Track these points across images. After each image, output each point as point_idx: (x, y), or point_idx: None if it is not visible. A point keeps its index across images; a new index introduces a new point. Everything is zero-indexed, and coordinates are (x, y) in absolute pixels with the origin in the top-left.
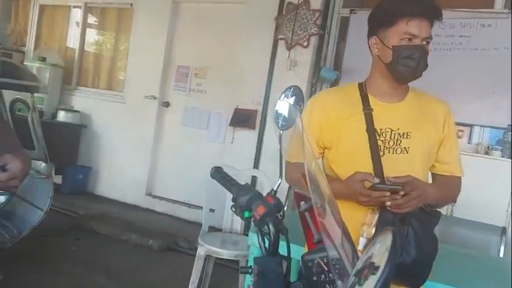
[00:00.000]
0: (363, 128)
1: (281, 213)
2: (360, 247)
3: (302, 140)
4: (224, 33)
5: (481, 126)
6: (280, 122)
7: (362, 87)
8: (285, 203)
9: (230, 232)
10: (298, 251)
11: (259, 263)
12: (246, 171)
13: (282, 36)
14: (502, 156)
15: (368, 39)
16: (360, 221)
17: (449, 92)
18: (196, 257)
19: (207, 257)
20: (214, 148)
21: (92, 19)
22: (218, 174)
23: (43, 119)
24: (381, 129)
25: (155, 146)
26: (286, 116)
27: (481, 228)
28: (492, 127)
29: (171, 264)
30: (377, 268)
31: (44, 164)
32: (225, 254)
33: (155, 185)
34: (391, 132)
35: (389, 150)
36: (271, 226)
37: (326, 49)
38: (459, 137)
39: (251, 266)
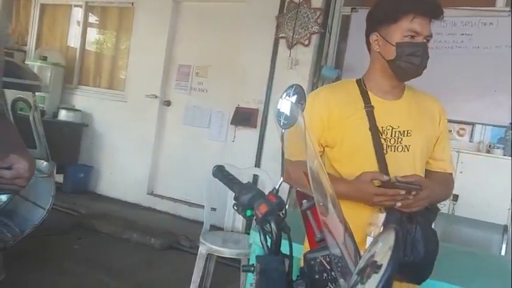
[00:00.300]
0: (366, 126)
1: (283, 211)
2: (367, 246)
3: (303, 138)
4: (225, 32)
5: (483, 124)
6: (282, 120)
7: (361, 84)
8: (286, 202)
9: (231, 231)
10: (299, 250)
11: (262, 261)
12: (247, 170)
13: (283, 35)
14: (504, 155)
15: (367, 36)
16: (365, 221)
17: (451, 90)
18: (197, 256)
19: (209, 256)
20: (216, 147)
21: (92, 18)
22: (220, 173)
23: (44, 118)
24: (382, 127)
25: (156, 145)
26: (288, 114)
27: (482, 227)
28: (494, 125)
29: (173, 263)
30: (379, 267)
31: (45, 163)
32: (227, 252)
33: (156, 184)
34: (392, 130)
35: (391, 149)
36: (273, 225)
37: (327, 48)
38: (461, 135)
39: (253, 264)
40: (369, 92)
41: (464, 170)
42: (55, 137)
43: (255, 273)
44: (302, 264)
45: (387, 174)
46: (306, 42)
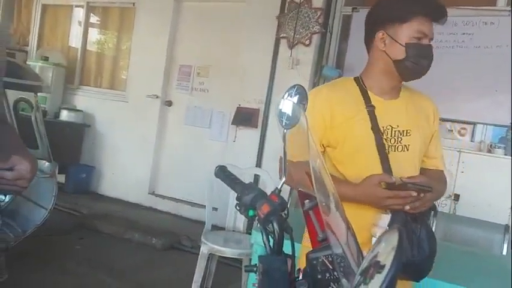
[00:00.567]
0: (368, 126)
1: (285, 211)
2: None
3: (305, 138)
4: (226, 32)
5: (484, 124)
6: (284, 120)
7: (360, 83)
8: (287, 201)
9: (233, 231)
10: (298, 249)
11: (264, 261)
12: (248, 170)
13: (284, 35)
14: (505, 154)
15: (370, 33)
16: (370, 221)
17: (452, 90)
18: (199, 256)
19: (210, 256)
20: (217, 147)
21: (94, 18)
22: (222, 173)
23: (46, 118)
24: (382, 127)
25: (158, 145)
26: (290, 114)
27: (484, 226)
28: (495, 125)
29: (174, 263)
30: (382, 267)
31: (47, 163)
32: (228, 252)
33: (158, 184)
34: (392, 129)
35: (391, 148)
36: (275, 225)
37: (328, 47)
38: (462, 135)
39: (256, 264)
40: (369, 91)
41: (466, 170)
42: (57, 138)
43: (257, 273)
44: (300, 264)
45: (391, 174)
46: (307, 42)
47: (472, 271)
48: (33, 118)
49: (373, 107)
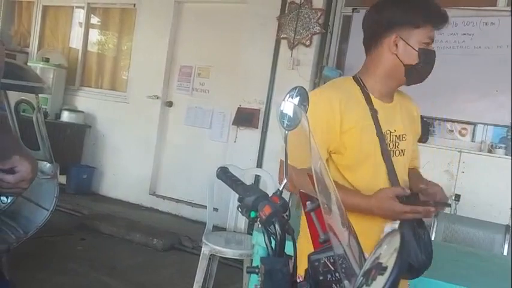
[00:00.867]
0: (373, 131)
1: (287, 213)
2: None
3: (308, 141)
4: (227, 32)
5: (485, 124)
6: (286, 122)
7: (360, 84)
8: (288, 202)
9: (234, 231)
10: None
11: (266, 262)
12: (249, 171)
13: (285, 36)
14: (506, 154)
15: (376, 35)
16: (379, 229)
17: (452, 90)
18: (200, 256)
19: (212, 256)
20: (218, 147)
21: (94, 19)
22: (224, 174)
23: (47, 119)
24: (384, 132)
25: (158, 146)
26: (291, 116)
27: (484, 227)
28: (495, 125)
29: (175, 264)
30: (385, 268)
31: (48, 165)
32: (230, 253)
33: (159, 185)
34: (390, 134)
35: (391, 154)
36: (277, 226)
37: (328, 48)
38: (463, 135)
39: (258, 266)
40: (370, 94)
41: (466, 170)
42: (58, 139)
43: (259, 274)
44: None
45: (397, 181)
46: (308, 43)
47: (473, 271)
48: (34, 119)
49: (376, 111)
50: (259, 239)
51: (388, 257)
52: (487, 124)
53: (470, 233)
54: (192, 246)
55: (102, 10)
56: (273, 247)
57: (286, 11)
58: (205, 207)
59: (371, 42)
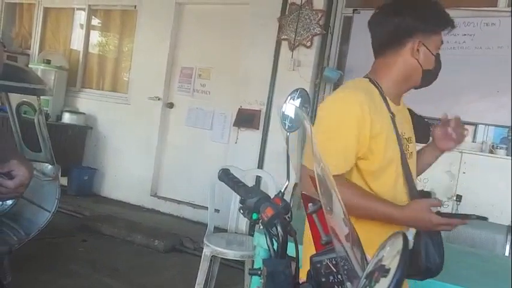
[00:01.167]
0: (394, 136)
1: (289, 215)
2: None
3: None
4: (227, 34)
5: (486, 124)
6: (287, 124)
7: (378, 87)
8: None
9: (235, 232)
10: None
11: (268, 264)
12: (250, 172)
13: (285, 37)
14: (507, 155)
15: (395, 39)
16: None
17: (453, 90)
18: (202, 258)
19: (213, 258)
20: (219, 148)
21: (95, 21)
22: (226, 176)
23: (48, 121)
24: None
25: (160, 147)
26: (293, 118)
27: (486, 227)
28: (497, 126)
29: (177, 265)
30: (387, 271)
31: (50, 166)
32: (231, 254)
33: (160, 186)
34: (402, 138)
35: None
36: (279, 228)
37: (329, 49)
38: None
39: (260, 267)
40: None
41: (467, 171)
42: (59, 140)
43: (261, 276)
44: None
45: (414, 186)
46: (308, 44)
47: (474, 272)
48: (36, 121)
49: (394, 115)
50: (260, 240)
51: (391, 259)
52: (488, 125)
53: (471, 234)
54: (194, 247)
55: (103, 12)
56: (275, 249)
57: (287, 12)
58: (206, 208)
59: (388, 45)
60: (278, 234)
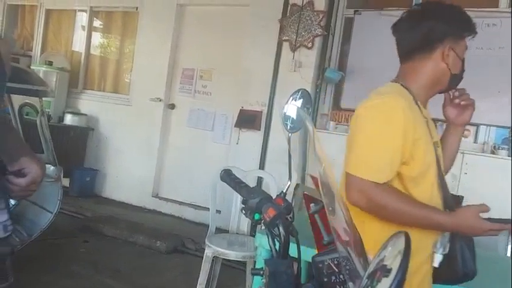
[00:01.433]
0: (430, 140)
1: (291, 215)
2: (435, 264)
3: (313, 144)
4: (229, 35)
5: (487, 125)
6: (289, 124)
7: (411, 93)
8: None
9: (237, 233)
10: (304, 252)
11: (270, 264)
12: (252, 172)
13: (287, 38)
14: (509, 156)
15: (425, 44)
16: (433, 237)
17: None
18: (203, 259)
19: (215, 258)
20: (220, 149)
21: (97, 23)
22: (228, 177)
23: (50, 122)
24: None
25: (161, 148)
26: (295, 118)
27: None
28: (498, 126)
29: (179, 266)
30: (389, 270)
31: (52, 168)
32: (232, 255)
33: (161, 187)
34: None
35: None
36: (281, 228)
37: (330, 50)
38: (465, 136)
39: (262, 268)
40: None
41: (469, 171)
42: (61, 141)
43: (264, 276)
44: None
45: (447, 190)
46: (309, 45)
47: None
48: (38, 122)
49: (426, 119)
50: (262, 240)
51: (393, 259)
52: (490, 125)
53: None
54: (195, 248)
55: (104, 13)
56: (277, 249)
57: (288, 14)
58: (208, 209)
59: (417, 50)
60: (280, 234)
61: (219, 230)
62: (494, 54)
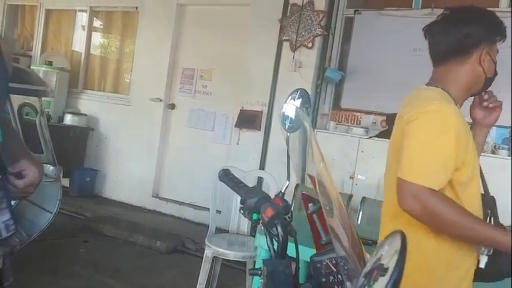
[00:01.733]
0: (474, 143)
1: (289, 215)
2: (481, 265)
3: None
4: (229, 35)
5: None
6: (288, 124)
7: (451, 97)
8: (291, 204)
9: (237, 233)
10: (303, 252)
11: (269, 264)
12: (252, 173)
13: (287, 38)
14: (509, 155)
15: (460, 48)
16: (475, 255)
17: None
18: (203, 259)
19: (214, 259)
20: (220, 149)
21: (97, 23)
22: (226, 176)
23: (50, 122)
24: None
25: (161, 148)
26: (293, 118)
27: None
28: (498, 126)
29: (179, 266)
30: (386, 270)
31: (52, 168)
32: (232, 255)
33: (161, 187)
34: None
35: None
36: (279, 228)
37: (331, 50)
38: None
39: (260, 267)
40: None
41: None
42: (61, 142)
43: (262, 276)
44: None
45: (488, 190)
46: (310, 45)
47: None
48: (37, 122)
49: (468, 124)
50: (261, 241)
51: (389, 258)
52: None
53: None
54: (195, 248)
55: (104, 13)
56: (275, 249)
57: (288, 13)
58: (208, 209)
59: (453, 54)
60: (278, 234)
61: (219, 230)
62: None
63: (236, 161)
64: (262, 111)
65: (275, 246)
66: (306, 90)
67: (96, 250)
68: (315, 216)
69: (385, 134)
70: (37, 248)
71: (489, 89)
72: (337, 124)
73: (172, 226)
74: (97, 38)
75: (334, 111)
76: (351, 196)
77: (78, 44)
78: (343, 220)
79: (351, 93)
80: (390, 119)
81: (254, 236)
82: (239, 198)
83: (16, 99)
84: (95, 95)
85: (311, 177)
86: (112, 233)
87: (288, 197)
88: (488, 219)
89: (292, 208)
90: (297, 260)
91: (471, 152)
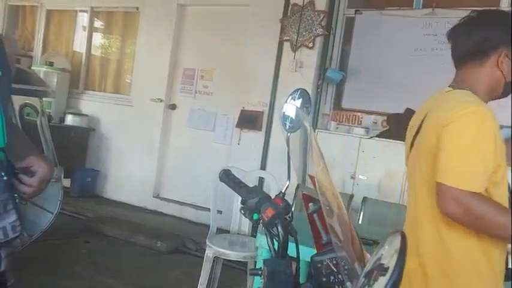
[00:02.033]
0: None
1: (290, 215)
2: (510, 265)
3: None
4: (230, 35)
5: None
6: (288, 124)
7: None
8: (292, 205)
9: (238, 233)
10: (303, 252)
11: (269, 264)
12: (253, 173)
13: (287, 38)
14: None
15: (479, 51)
16: (504, 249)
17: None
18: (204, 259)
19: (215, 259)
20: (221, 150)
21: (98, 23)
22: (227, 177)
23: (51, 123)
24: None
25: (162, 148)
26: (294, 118)
27: None
28: (499, 126)
29: (179, 266)
30: (386, 269)
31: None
32: (233, 255)
33: (162, 187)
34: None
35: None
36: (280, 228)
37: (331, 50)
38: None
39: (261, 267)
40: None
41: None
42: (62, 142)
43: (262, 276)
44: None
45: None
46: (310, 45)
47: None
48: (38, 123)
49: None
50: (262, 241)
51: (390, 258)
52: None
53: None
54: (196, 248)
55: (105, 14)
56: (276, 249)
57: (289, 13)
58: (208, 209)
59: (473, 56)
60: (279, 234)
61: (220, 231)
62: None
63: (237, 161)
64: (263, 112)
65: (276, 246)
66: (306, 90)
67: (97, 250)
68: (315, 216)
69: (386, 134)
70: (38, 248)
71: None
72: (338, 124)
73: (173, 226)
74: (98, 39)
75: (335, 111)
76: (352, 196)
77: (79, 45)
78: (343, 220)
79: (351, 93)
80: (391, 119)
81: (255, 236)
82: (240, 198)
83: (17, 100)
84: (96, 96)
85: (311, 177)
86: (113, 233)
87: (289, 197)
88: None
89: (293, 208)
90: (297, 260)
91: (504, 153)
